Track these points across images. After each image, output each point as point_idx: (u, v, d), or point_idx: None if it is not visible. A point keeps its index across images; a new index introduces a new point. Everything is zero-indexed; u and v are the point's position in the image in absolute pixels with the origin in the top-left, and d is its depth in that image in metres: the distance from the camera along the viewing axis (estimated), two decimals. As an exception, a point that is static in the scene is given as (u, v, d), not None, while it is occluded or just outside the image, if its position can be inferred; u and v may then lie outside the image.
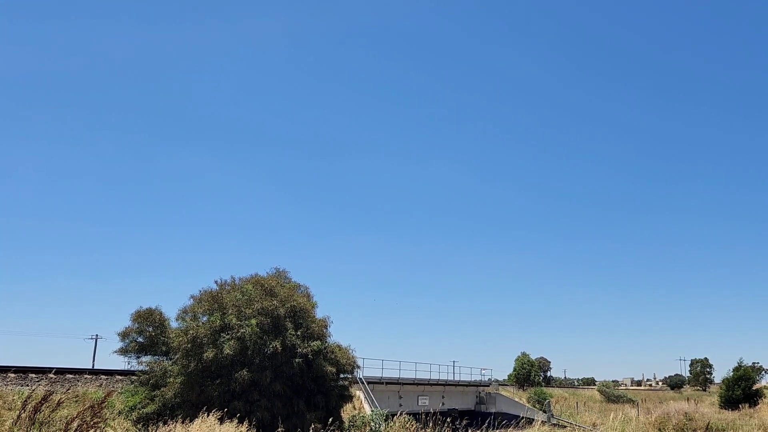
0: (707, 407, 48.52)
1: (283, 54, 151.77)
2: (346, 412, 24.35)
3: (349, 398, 22.47)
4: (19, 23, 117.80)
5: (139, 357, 20.44)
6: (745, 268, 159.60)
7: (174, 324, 20.58)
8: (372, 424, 22.76)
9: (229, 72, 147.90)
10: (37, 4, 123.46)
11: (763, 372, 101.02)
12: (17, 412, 11.19)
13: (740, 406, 51.11)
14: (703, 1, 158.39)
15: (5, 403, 16.77)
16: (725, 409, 52.70)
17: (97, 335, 62.06)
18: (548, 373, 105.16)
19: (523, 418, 40.54)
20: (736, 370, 62.31)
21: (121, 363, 28.18)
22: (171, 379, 18.57)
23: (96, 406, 11.21)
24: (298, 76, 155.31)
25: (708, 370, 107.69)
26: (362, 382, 30.78)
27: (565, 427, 43.37)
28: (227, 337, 18.34)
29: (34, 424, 10.70)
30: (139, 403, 18.65)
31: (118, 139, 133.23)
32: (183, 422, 14.37)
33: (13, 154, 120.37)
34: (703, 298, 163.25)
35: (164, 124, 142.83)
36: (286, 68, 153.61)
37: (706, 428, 23.85)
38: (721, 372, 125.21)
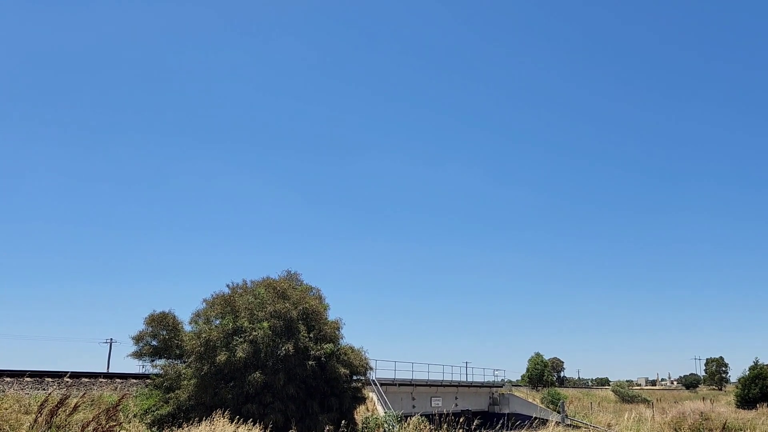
0: (723, 407, 47.94)
1: (297, 56, 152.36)
2: (359, 413, 24.32)
3: (362, 400, 22.46)
4: (35, 24, 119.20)
5: (153, 360, 20.56)
6: (760, 267, 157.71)
7: (187, 327, 20.70)
8: (385, 425, 22.72)
9: (242, 74, 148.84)
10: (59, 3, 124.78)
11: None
12: (34, 415, 11.27)
13: (757, 405, 50.51)
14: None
15: (22, 407, 16.90)
16: (742, 408, 52.06)
17: (111, 339, 62.10)
18: (562, 374, 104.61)
19: (536, 418, 40.23)
20: (752, 369, 61.55)
21: (135, 366, 28.29)
22: (185, 382, 18.66)
23: (111, 409, 11.27)
24: (311, 78, 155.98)
25: (723, 369, 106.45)
26: (375, 384, 30.73)
27: (579, 427, 43.02)
28: (240, 340, 18.41)
29: (50, 427, 10.76)
30: (154, 405, 18.76)
31: (131, 143, 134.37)
32: (197, 424, 14.43)
33: (27, 157, 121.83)
34: (718, 297, 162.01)
35: (177, 127, 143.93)
36: (300, 70, 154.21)
37: (723, 428, 23.57)
38: (736, 371, 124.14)
